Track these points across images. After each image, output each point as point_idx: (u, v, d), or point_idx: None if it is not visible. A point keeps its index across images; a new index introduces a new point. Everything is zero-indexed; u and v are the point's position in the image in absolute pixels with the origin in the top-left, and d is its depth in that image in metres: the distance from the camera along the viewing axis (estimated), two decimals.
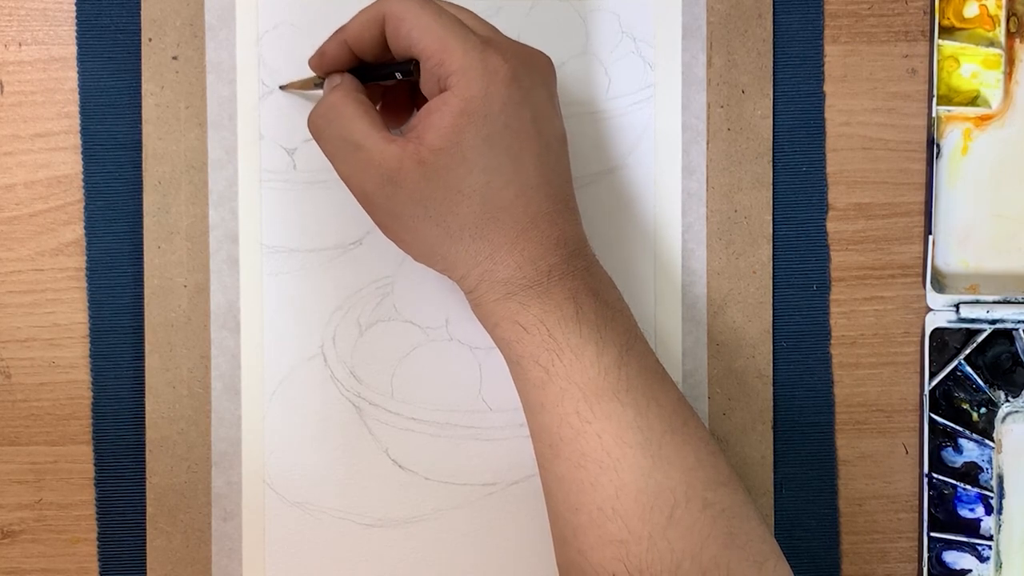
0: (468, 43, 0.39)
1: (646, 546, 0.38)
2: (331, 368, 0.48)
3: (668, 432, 0.40)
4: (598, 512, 0.39)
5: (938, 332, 0.49)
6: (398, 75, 0.42)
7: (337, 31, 0.43)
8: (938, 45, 0.48)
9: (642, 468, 0.39)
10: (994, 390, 0.49)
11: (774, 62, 0.48)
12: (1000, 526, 0.49)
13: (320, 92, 0.45)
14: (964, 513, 0.49)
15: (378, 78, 0.43)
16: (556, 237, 0.40)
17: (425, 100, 0.41)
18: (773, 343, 0.48)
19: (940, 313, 0.49)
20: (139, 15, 0.47)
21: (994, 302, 0.48)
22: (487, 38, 0.40)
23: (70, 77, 0.48)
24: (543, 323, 0.40)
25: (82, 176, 0.48)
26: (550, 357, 0.40)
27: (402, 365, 0.48)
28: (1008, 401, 0.49)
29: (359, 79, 0.43)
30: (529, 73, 0.40)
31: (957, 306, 0.48)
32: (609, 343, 0.40)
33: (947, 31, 0.48)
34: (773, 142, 0.48)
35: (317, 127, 0.41)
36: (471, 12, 0.42)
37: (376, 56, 0.42)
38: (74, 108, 0.48)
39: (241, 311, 0.47)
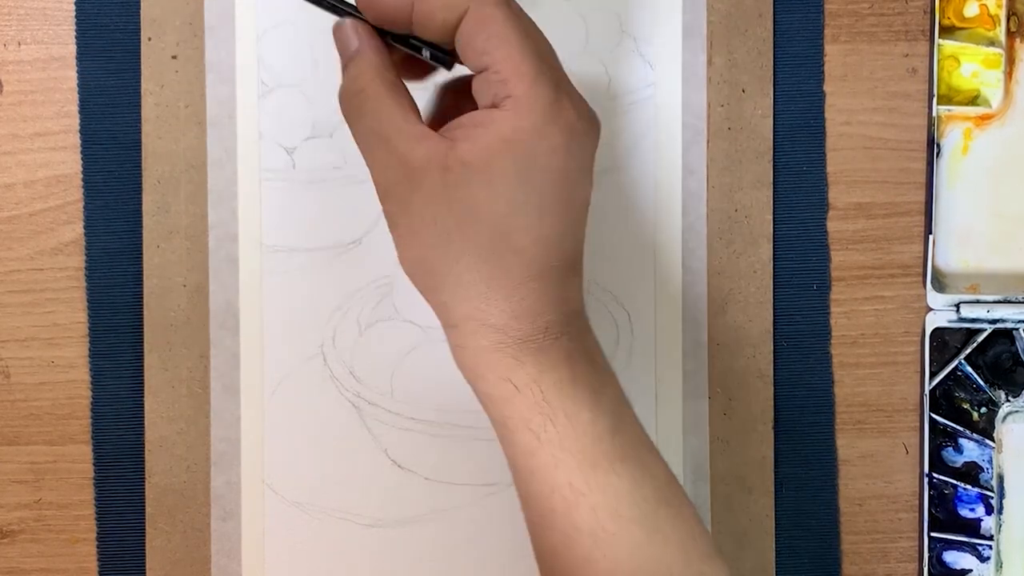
0: (542, 76, 0.36)
1: None
2: (330, 368, 0.48)
3: (663, 505, 0.38)
4: None
5: (938, 332, 0.49)
6: (426, 54, 0.39)
7: None
8: (938, 44, 0.48)
9: (638, 543, 0.37)
10: (994, 390, 0.49)
11: (774, 61, 0.48)
12: (1000, 526, 0.49)
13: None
14: (964, 513, 0.49)
15: (407, 47, 0.39)
16: (559, 295, 0.38)
17: (471, 100, 0.38)
18: (773, 343, 0.48)
19: (940, 313, 0.49)
20: (138, 15, 0.47)
21: (994, 302, 0.48)
22: (561, 79, 0.38)
23: (69, 76, 0.48)
24: (537, 383, 0.37)
25: (81, 175, 0.48)
26: (542, 421, 0.37)
27: (402, 365, 0.48)
28: (1008, 401, 0.49)
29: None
30: (584, 130, 0.38)
31: (957, 306, 0.48)
32: (604, 410, 0.38)
33: (947, 30, 0.48)
34: (773, 141, 0.48)
35: (347, 112, 0.38)
36: (554, 51, 0.39)
37: (411, 32, 0.39)
38: (73, 107, 0.48)
39: (240, 311, 0.47)
